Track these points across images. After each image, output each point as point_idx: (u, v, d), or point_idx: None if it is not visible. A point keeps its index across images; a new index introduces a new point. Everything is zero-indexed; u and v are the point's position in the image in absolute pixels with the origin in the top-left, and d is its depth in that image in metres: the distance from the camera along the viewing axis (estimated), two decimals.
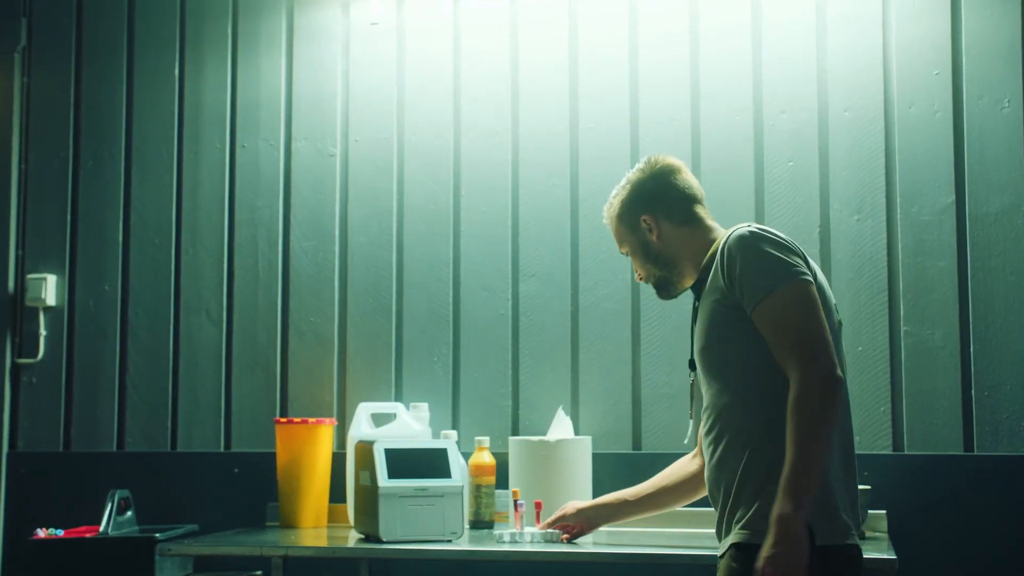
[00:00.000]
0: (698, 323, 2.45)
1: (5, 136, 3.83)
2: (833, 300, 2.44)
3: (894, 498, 3.20)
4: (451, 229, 3.59)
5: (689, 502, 2.80)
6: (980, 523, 3.18)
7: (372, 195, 3.64)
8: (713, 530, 2.42)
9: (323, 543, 3.08)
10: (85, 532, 3.34)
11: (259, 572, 3.40)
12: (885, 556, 2.64)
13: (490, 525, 3.19)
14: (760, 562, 2.14)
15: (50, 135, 3.83)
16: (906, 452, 3.26)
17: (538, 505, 3.01)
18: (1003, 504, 3.19)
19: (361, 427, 3.33)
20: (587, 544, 2.87)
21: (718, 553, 2.35)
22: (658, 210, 2.53)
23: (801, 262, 2.32)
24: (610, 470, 3.28)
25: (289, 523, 3.33)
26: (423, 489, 2.92)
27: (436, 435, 3.38)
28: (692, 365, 2.51)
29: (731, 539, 2.30)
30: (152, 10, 3.81)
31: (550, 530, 2.88)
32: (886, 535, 3.11)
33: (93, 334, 3.75)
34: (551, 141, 3.55)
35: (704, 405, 2.45)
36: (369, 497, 2.93)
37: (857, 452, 2.41)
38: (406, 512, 2.89)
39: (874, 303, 3.32)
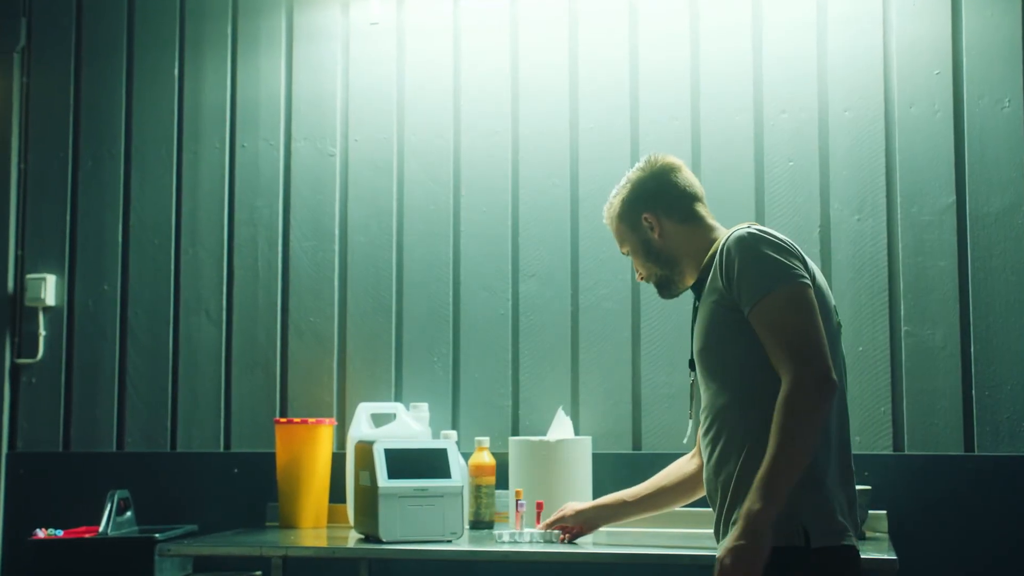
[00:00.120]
0: (697, 324, 2.45)
1: (4, 136, 3.82)
2: (833, 302, 2.43)
3: (894, 498, 3.19)
4: (451, 229, 3.59)
5: (688, 502, 2.80)
6: (980, 523, 3.18)
7: (372, 195, 3.64)
8: (712, 530, 2.42)
9: (323, 543, 3.08)
10: (84, 532, 3.34)
11: (259, 572, 3.40)
12: (885, 556, 2.64)
13: (490, 525, 3.19)
14: (721, 552, 2.19)
15: (50, 135, 3.83)
16: (906, 452, 3.26)
17: (539, 506, 3.01)
18: (1004, 504, 3.18)
19: (361, 427, 3.33)
20: (587, 544, 2.86)
21: (717, 554, 2.35)
22: (659, 208, 2.53)
23: (800, 265, 2.32)
24: (610, 470, 3.28)
25: (289, 523, 3.33)
26: (423, 489, 2.92)
27: (436, 435, 3.38)
28: (692, 365, 2.50)
29: None
30: (152, 10, 3.81)
31: (549, 531, 2.87)
32: (886, 535, 3.10)
33: (92, 334, 3.75)
34: (551, 141, 3.55)
35: (702, 405, 2.45)
36: (369, 497, 2.93)
37: (857, 452, 2.41)
38: (406, 512, 2.89)
39: (874, 303, 3.31)
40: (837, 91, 3.39)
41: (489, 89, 3.60)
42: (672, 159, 2.58)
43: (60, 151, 3.82)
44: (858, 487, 2.43)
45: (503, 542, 2.86)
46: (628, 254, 2.61)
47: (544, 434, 3.30)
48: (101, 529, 3.30)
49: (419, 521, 2.90)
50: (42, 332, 3.74)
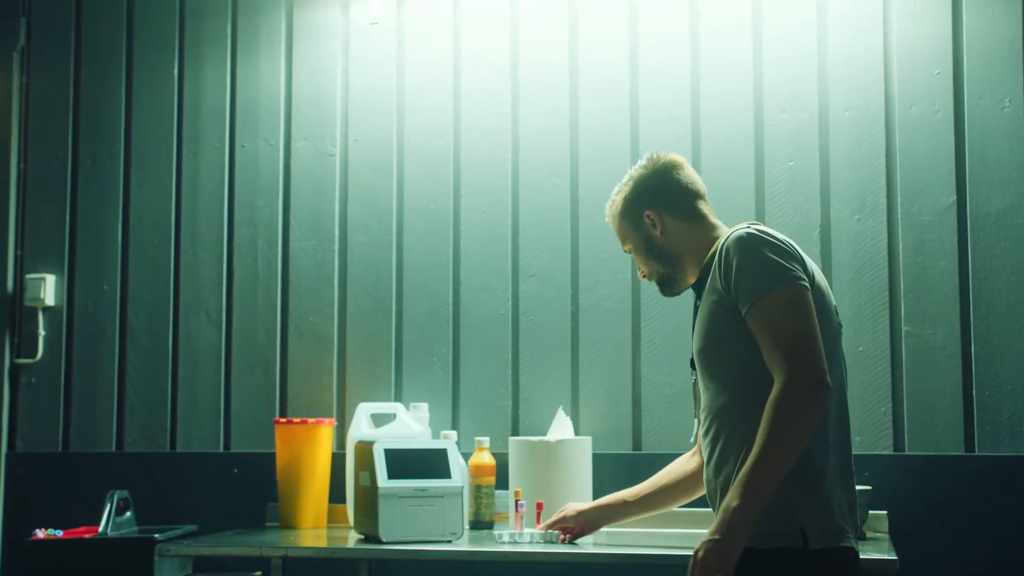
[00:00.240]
0: (697, 323, 2.45)
1: (4, 136, 3.82)
2: (834, 302, 2.43)
3: (895, 499, 3.19)
4: (451, 229, 3.58)
5: (689, 500, 2.79)
6: (981, 524, 3.18)
7: (372, 195, 3.63)
8: None
9: (323, 544, 3.08)
10: (84, 533, 3.33)
11: (259, 573, 3.40)
12: (886, 557, 2.63)
13: (490, 525, 3.19)
14: (698, 544, 2.20)
15: (49, 135, 3.83)
16: (907, 452, 3.26)
17: (539, 506, 3.01)
18: (1004, 505, 3.18)
19: (361, 427, 3.33)
20: (587, 544, 2.86)
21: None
22: (661, 205, 2.52)
23: (799, 267, 2.31)
24: (610, 470, 3.27)
25: (289, 523, 3.33)
26: (423, 489, 2.91)
27: (436, 435, 3.38)
28: (693, 364, 2.50)
29: None
30: (151, 10, 3.81)
31: (549, 531, 2.87)
32: (887, 536, 3.10)
33: (92, 334, 3.74)
34: (551, 141, 3.54)
35: (702, 405, 2.45)
36: (369, 497, 2.93)
37: (857, 452, 2.41)
38: (406, 512, 2.89)
39: (875, 303, 3.31)
40: (837, 91, 3.39)
41: (489, 89, 3.60)
42: (674, 156, 2.57)
43: (60, 151, 3.81)
44: (858, 487, 2.43)
45: (503, 542, 2.86)
46: (630, 252, 2.61)
47: (544, 434, 3.30)
48: (101, 529, 3.29)
49: (419, 521, 2.89)
50: (41, 332, 3.74)
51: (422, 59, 3.65)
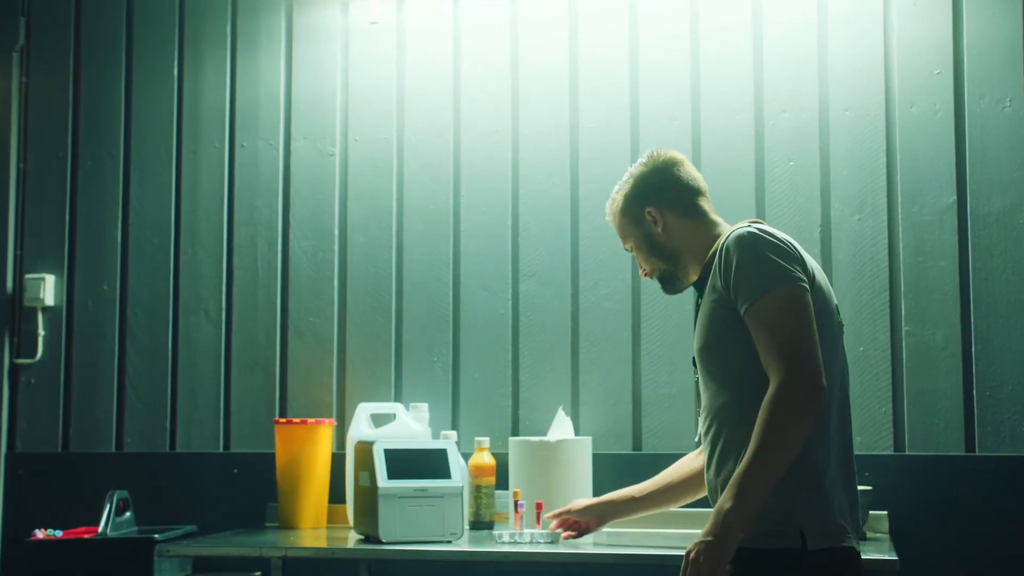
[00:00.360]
0: (698, 323, 2.44)
1: (4, 136, 3.82)
2: (835, 301, 2.42)
3: (895, 499, 3.19)
4: (451, 229, 3.58)
5: (695, 498, 2.78)
6: (981, 524, 3.18)
7: (372, 195, 3.63)
8: None
9: (322, 544, 3.08)
10: (83, 533, 3.33)
11: (258, 573, 3.39)
12: (886, 557, 2.64)
13: (490, 526, 3.19)
14: (690, 544, 2.19)
15: (49, 135, 3.83)
16: (907, 453, 3.25)
17: (539, 506, 3.00)
18: (1004, 505, 3.18)
19: (361, 427, 3.32)
20: (587, 544, 2.86)
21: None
22: (662, 202, 2.52)
23: (798, 267, 2.30)
24: (610, 471, 3.27)
25: (288, 524, 3.32)
26: (423, 490, 2.91)
27: (436, 435, 3.37)
28: (695, 363, 2.50)
29: None
30: (151, 9, 3.81)
31: (550, 531, 2.86)
32: (887, 536, 3.10)
33: (92, 334, 3.74)
34: (551, 140, 3.54)
35: (703, 405, 2.44)
36: (369, 498, 2.93)
37: (858, 453, 2.40)
38: (406, 513, 2.89)
39: (875, 303, 3.31)
40: (838, 91, 3.39)
41: (489, 89, 3.59)
42: (675, 154, 2.57)
43: (59, 151, 3.81)
44: (859, 487, 2.42)
45: (503, 542, 2.86)
46: (631, 250, 2.60)
47: (544, 434, 3.30)
48: (100, 530, 3.29)
49: (419, 521, 2.89)
50: (41, 332, 3.74)
51: (422, 59, 3.64)
